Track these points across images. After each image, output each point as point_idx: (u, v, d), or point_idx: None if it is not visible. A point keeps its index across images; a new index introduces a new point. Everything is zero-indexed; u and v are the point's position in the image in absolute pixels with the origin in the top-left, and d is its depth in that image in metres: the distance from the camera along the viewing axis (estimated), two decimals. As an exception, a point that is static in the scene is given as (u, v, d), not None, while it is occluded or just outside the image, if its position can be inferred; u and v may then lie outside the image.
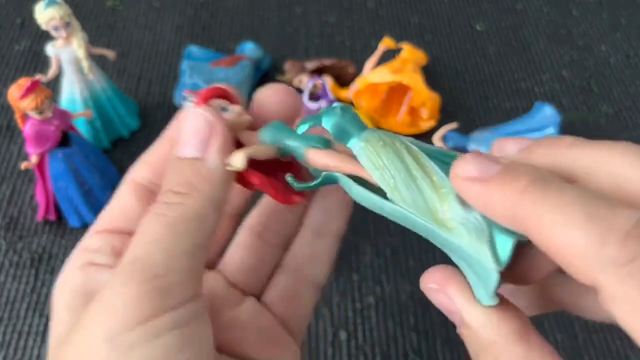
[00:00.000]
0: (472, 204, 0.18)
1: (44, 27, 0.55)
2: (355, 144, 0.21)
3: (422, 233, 0.20)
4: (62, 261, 0.55)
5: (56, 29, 0.55)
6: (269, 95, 0.24)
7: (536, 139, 0.19)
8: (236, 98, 0.23)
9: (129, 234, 0.23)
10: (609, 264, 0.14)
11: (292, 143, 0.22)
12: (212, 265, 0.26)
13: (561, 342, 0.51)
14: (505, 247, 0.17)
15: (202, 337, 0.20)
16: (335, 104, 0.22)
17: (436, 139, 0.60)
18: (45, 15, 0.54)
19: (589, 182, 0.17)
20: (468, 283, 0.19)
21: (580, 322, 0.52)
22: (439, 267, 0.20)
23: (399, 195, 0.20)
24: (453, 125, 0.62)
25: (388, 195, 0.20)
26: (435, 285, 0.19)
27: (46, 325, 0.51)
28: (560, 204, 0.15)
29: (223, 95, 0.23)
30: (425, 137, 0.65)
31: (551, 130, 0.59)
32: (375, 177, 0.21)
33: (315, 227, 0.26)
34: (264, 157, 0.22)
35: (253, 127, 0.23)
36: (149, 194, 0.23)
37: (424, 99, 0.64)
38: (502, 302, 0.18)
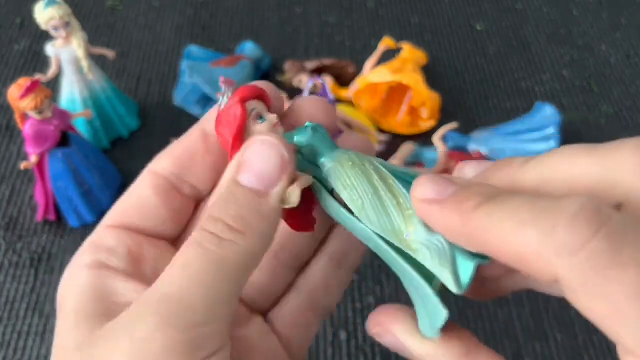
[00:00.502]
0: (432, 226, 0.18)
1: (43, 27, 0.55)
2: (325, 164, 0.21)
3: (383, 257, 0.20)
4: (62, 261, 0.54)
5: (56, 28, 0.55)
6: (309, 106, 0.23)
7: (492, 163, 0.19)
8: (272, 100, 0.22)
9: (145, 234, 0.22)
10: (563, 252, 0.14)
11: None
12: None
13: (561, 342, 0.51)
14: (467, 270, 0.18)
15: None
16: (307, 123, 0.22)
17: (436, 139, 0.60)
18: (45, 15, 0.54)
19: (544, 192, 0.17)
20: (411, 316, 0.19)
21: (581, 322, 0.51)
22: (379, 309, 0.20)
23: (366, 216, 0.20)
24: (453, 125, 0.62)
25: (356, 214, 0.20)
26: (379, 328, 0.20)
27: (46, 326, 0.51)
28: (510, 212, 0.15)
29: (261, 96, 0.22)
30: (425, 137, 0.65)
31: (551, 130, 0.59)
32: (343, 197, 0.20)
33: (334, 257, 0.25)
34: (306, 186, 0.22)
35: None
36: (170, 187, 0.22)
37: (424, 99, 0.64)
38: (447, 328, 0.18)
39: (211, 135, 0.22)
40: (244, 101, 0.21)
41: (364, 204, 0.20)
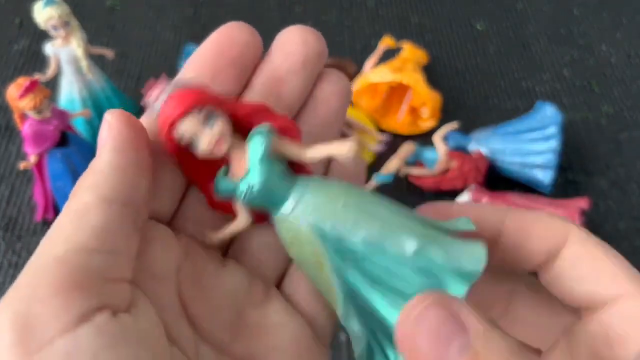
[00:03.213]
0: None
1: (42, 26, 0.55)
2: (273, 218, 0.20)
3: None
4: (61, 261, 0.54)
5: (55, 28, 0.54)
6: (292, 36, 0.22)
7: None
8: (216, 99, 0.20)
9: None
10: None
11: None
12: (225, 251, 0.23)
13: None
14: None
15: None
16: (249, 170, 0.20)
17: (437, 138, 0.60)
18: (44, 15, 0.53)
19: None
20: None
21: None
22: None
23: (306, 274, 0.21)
24: (454, 124, 0.61)
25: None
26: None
27: (45, 326, 0.50)
28: None
29: (202, 101, 0.20)
30: (425, 137, 0.64)
31: (552, 129, 0.59)
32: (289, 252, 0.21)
33: None
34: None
35: (274, 73, 0.22)
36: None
37: (425, 99, 0.64)
38: None
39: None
40: (171, 128, 0.20)
41: (306, 275, 0.21)
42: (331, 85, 0.22)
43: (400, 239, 0.18)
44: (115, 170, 0.18)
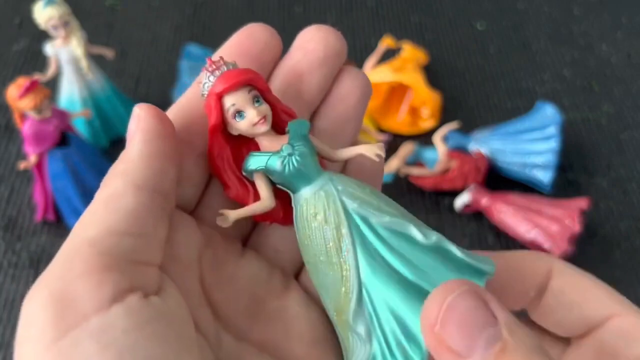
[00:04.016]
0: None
1: (42, 26, 0.55)
2: (294, 199, 0.21)
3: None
4: (61, 261, 0.54)
5: (55, 28, 0.54)
6: (312, 35, 0.23)
7: None
8: (265, 83, 0.21)
9: None
10: None
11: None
12: (244, 241, 0.23)
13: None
14: None
15: None
16: (283, 147, 0.21)
17: (437, 138, 0.60)
18: (44, 15, 0.53)
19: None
20: None
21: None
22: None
23: (310, 273, 0.20)
24: (454, 124, 0.61)
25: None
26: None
27: (45, 326, 0.50)
28: None
29: (252, 81, 0.21)
30: (425, 136, 0.64)
31: (552, 129, 0.59)
32: (298, 238, 0.20)
33: None
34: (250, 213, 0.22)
35: (295, 69, 0.22)
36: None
37: (425, 99, 0.64)
38: None
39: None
40: (221, 96, 0.21)
41: (310, 263, 0.20)
42: (350, 82, 0.23)
43: (420, 230, 0.19)
44: (145, 159, 0.19)
